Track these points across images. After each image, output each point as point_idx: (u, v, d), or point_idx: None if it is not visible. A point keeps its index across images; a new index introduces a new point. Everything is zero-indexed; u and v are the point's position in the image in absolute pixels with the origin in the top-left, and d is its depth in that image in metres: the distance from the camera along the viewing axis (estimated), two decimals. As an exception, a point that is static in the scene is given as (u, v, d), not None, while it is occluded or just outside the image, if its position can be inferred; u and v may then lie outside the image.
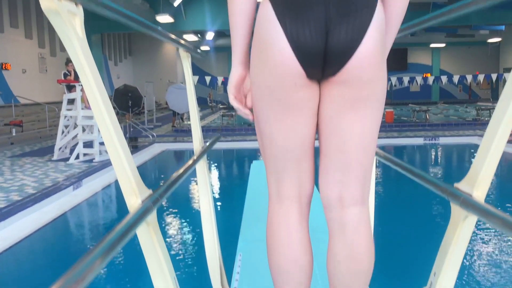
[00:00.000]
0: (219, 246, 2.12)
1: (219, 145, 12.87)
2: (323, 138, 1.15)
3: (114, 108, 14.61)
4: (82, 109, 9.45)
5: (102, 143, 9.57)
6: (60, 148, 9.88)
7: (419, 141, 12.60)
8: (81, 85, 9.43)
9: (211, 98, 25.58)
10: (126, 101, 13.38)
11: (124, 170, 1.15)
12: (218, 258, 2.08)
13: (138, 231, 1.16)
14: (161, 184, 1.37)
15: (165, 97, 16.35)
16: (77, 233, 6.13)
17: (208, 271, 2.06)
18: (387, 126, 14.44)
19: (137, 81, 23.49)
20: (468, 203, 1.11)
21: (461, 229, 1.18)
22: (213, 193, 8.27)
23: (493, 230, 5.71)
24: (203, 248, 2.13)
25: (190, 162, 1.82)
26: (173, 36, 1.82)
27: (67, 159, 9.63)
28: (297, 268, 1.14)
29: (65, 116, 9.75)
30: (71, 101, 9.78)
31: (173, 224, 6.66)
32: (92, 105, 1.04)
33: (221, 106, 23.55)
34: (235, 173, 10.38)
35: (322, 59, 1.05)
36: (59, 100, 10.99)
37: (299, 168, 1.16)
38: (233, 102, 1.22)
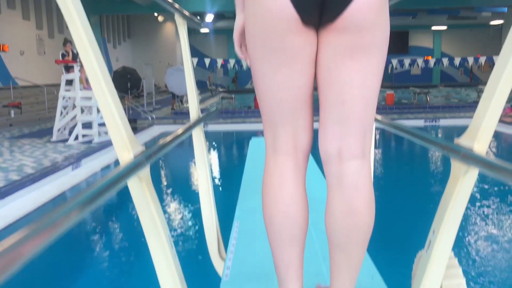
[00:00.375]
0: (216, 214, 2.11)
1: (219, 127, 12.86)
2: (321, 90, 1.10)
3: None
4: (80, 90, 9.39)
5: (101, 124, 9.53)
6: (59, 129, 9.85)
7: (420, 123, 12.57)
8: (80, 66, 9.37)
9: (211, 81, 25.44)
10: (125, 83, 13.32)
11: (116, 124, 1.12)
12: (215, 226, 2.06)
13: (130, 184, 1.13)
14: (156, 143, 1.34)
15: (164, 80, 16.25)
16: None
17: (205, 239, 2.05)
18: (388, 108, 14.39)
19: (136, 64, 23.36)
20: (469, 156, 1.08)
21: (461, 184, 1.15)
22: (212, 170, 8.28)
23: (492, 189, 5.76)
24: (201, 218, 2.11)
25: (186, 127, 1.79)
26: (170, 0, 1.78)
27: (66, 140, 9.60)
28: (289, 222, 1.11)
29: (64, 97, 9.69)
30: (69, 82, 9.71)
31: (170, 193, 6.71)
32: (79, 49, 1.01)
33: (220, 89, 23.45)
34: (234, 153, 10.37)
35: (319, 4, 1.01)
36: (57, 82, 10.91)
37: (295, 120, 1.11)
38: (238, 51, 1.20)
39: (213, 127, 12.82)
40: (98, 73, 1.02)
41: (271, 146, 1.15)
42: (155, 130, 12.22)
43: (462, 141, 1.16)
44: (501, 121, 8.84)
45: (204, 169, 2.06)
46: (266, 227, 1.15)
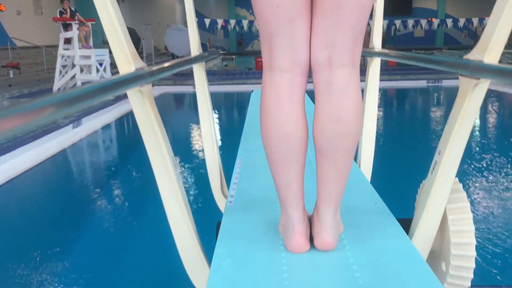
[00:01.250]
0: (219, 152, 2.10)
1: (220, 88, 12.77)
2: None
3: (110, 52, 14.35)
4: (79, 48, 9.27)
5: (100, 84, 9.46)
6: (58, 89, 9.78)
7: (422, 83, 12.46)
8: (78, 24, 9.22)
9: (211, 44, 25.12)
10: (124, 43, 13.14)
11: (118, 37, 1.09)
12: (218, 164, 2.06)
13: (131, 96, 1.11)
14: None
15: (164, 40, 16.03)
16: (76, 167, 6.15)
17: (208, 177, 2.05)
18: (390, 70, 14.25)
19: (135, 24, 22.96)
20: (478, 68, 1.05)
21: (469, 100, 1.13)
22: (214, 118, 8.27)
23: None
24: (203, 155, 2.11)
25: (186, 58, 1.76)
26: None
27: (66, 99, 9.55)
28: (286, 140, 1.07)
29: (63, 56, 9.59)
30: (68, 41, 9.58)
31: (172, 131, 6.74)
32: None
33: (221, 52, 23.19)
34: (235, 111, 10.32)
35: None
36: (56, 44, 10.76)
37: (292, 31, 1.05)
38: None
39: (214, 88, 12.72)
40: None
41: (268, 63, 1.10)
42: (155, 91, 12.13)
43: (471, 56, 1.13)
44: None
45: (206, 106, 2.05)
46: (264, 147, 1.12)
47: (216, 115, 10.09)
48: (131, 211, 4.28)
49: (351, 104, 1.05)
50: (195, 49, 2.06)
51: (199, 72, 2.05)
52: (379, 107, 10.18)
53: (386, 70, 14.20)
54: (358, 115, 1.07)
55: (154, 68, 1.21)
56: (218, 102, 11.88)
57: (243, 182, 1.66)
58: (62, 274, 3.20)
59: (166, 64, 1.37)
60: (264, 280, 1.01)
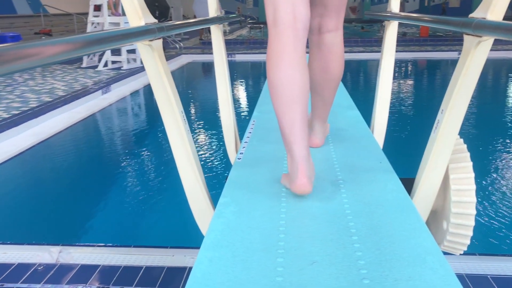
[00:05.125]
0: (234, 113, 2.15)
1: (246, 57, 12.74)
2: None
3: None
4: (108, 15, 9.37)
5: (130, 51, 9.58)
6: (88, 56, 9.95)
7: (454, 55, 12.12)
8: (107, -10, 9.29)
9: (240, 13, 24.84)
10: (153, 12, 13.13)
11: (128, -7, 1.14)
12: (233, 124, 2.11)
13: (141, 50, 1.17)
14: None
15: (192, 8, 15.99)
16: (105, 131, 6.33)
17: (223, 137, 2.11)
18: (422, 41, 13.90)
19: (165, -7, 22.92)
20: (480, 25, 1.06)
21: (472, 57, 1.14)
22: (235, 89, 8.34)
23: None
24: (219, 116, 2.16)
25: (203, 19, 1.80)
26: None
27: (96, 66, 9.73)
28: (289, 84, 1.19)
29: (92, 23, 9.70)
30: (97, 8, 9.68)
31: (198, 97, 6.80)
32: None
33: (250, 21, 22.95)
34: (262, 80, 10.30)
35: None
36: (86, 11, 10.90)
37: None
38: None
39: (241, 57, 12.72)
40: None
41: (272, 20, 1.23)
42: (183, 59, 12.21)
43: (475, 13, 1.13)
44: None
45: (222, 68, 2.09)
46: (270, 93, 1.24)
47: (243, 83, 10.12)
48: (157, 172, 4.42)
49: (335, 58, 1.42)
50: (213, 10, 2.09)
51: (216, 33, 2.08)
52: (408, 77, 9.99)
53: (417, 41, 13.86)
54: (340, 66, 1.44)
55: (165, 24, 1.25)
56: (245, 70, 11.88)
57: (254, 141, 1.71)
58: (92, 227, 3.39)
59: (177, 22, 1.41)
60: (262, 226, 1.07)
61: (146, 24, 1.13)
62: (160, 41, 1.20)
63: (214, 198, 1.51)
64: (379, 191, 1.26)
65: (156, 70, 1.20)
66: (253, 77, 11.36)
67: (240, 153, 1.58)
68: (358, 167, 1.45)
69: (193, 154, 1.35)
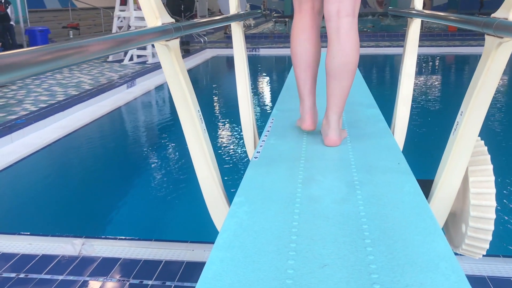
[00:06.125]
0: (253, 110, 2.15)
1: (270, 52, 12.71)
2: None
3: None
4: (134, 10, 9.47)
5: (154, 45, 9.67)
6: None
7: (482, 50, 11.83)
8: (133, -15, 9.38)
9: (265, 6, 24.76)
10: (178, 6, 13.25)
11: (145, -7, 1.15)
12: (252, 121, 2.12)
13: (159, 51, 1.18)
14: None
15: (217, 1, 16.01)
16: (130, 125, 6.42)
17: (242, 133, 2.12)
18: (450, 35, 13.60)
19: (191, -13, 23.00)
20: (502, 26, 1.03)
21: (492, 59, 1.12)
22: (259, 85, 8.34)
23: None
24: (238, 114, 2.17)
25: (223, 16, 1.80)
26: None
27: (121, 60, 9.85)
28: (305, 53, 1.66)
29: (118, 17, 9.83)
30: (124, 2, 9.80)
31: (213, 86, 6.80)
32: None
33: (275, 14, 22.85)
34: (285, 74, 10.28)
35: None
36: (113, 5, 11.06)
37: None
38: None
39: (265, 52, 12.70)
40: None
41: (298, 8, 1.70)
42: (208, 54, 12.25)
43: (497, 13, 1.10)
44: None
45: (242, 65, 2.09)
46: (292, 59, 1.71)
47: (266, 78, 10.11)
48: (180, 166, 4.47)
49: (352, 41, 1.56)
50: (233, 7, 2.09)
51: (236, 31, 2.09)
52: (435, 73, 9.80)
53: (445, 36, 13.56)
54: (357, 50, 1.57)
55: (183, 23, 1.26)
56: (269, 65, 11.85)
57: (271, 140, 1.71)
58: (115, 220, 3.45)
59: (195, 21, 1.42)
60: (275, 226, 1.07)
61: (163, 24, 1.14)
62: (177, 41, 1.21)
63: (231, 195, 1.52)
64: (395, 193, 1.24)
65: (173, 70, 1.22)
66: (276, 71, 11.32)
67: (257, 152, 1.59)
68: (375, 167, 1.43)
69: (209, 153, 1.36)
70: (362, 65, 10.86)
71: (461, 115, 1.24)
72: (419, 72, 9.51)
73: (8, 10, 9.87)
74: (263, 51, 12.62)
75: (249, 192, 1.26)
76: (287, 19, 15.79)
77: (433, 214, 1.12)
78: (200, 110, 1.34)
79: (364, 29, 15.77)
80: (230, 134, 5.55)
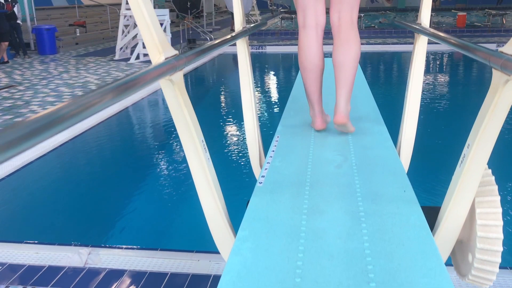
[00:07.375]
0: (259, 128, 2.14)
1: (277, 49, 12.66)
2: None
3: (173, 10, 14.43)
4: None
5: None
6: (121, 48, 10.10)
7: (492, 47, 11.70)
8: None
9: (272, 2, 24.67)
10: (184, 3, 13.24)
11: (148, 27, 1.14)
12: (257, 139, 2.10)
13: (163, 86, 1.17)
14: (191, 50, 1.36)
15: (224, -1, 15.94)
16: (137, 126, 6.44)
17: (248, 151, 2.11)
18: (458, 31, 13.48)
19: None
20: (510, 63, 1.01)
21: (500, 95, 1.10)
22: (265, 88, 8.31)
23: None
24: (244, 131, 2.16)
25: (228, 36, 1.79)
26: None
27: (128, 59, 9.87)
28: (312, 66, 1.93)
29: (125, 16, 9.83)
30: (130, 1, 9.79)
31: (212, 105, 6.81)
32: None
33: (282, 10, 22.75)
34: (293, 73, 10.23)
35: None
36: (120, 2, 11.06)
37: (316, 5, 1.92)
38: None
39: (271, 49, 12.65)
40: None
41: (302, 24, 1.95)
42: (214, 52, 12.16)
43: (505, 49, 1.08)
44: None
45: (248, 82, 2.07)
46: (300, 71, 1.98)
47: (274, 77, 10.08)
48: (187, 173, 4.47)
49: (353, 41, 1.88)
50: (238, 23, 2.07)
51: (242, 47, 2.07)
52: (443, 71, 9.67)
53: (454, 32, 13.45)
54: (357, 48, 1.89)
55: (186, 54, 1.25)
56: (276, 63, 11.81)
57: (276, 162, 1.70)
58: (121, 228, 3.46)
59: (198, 49, 1.40)
60: (279, 266, 1.07)
61: (166, 59, 1.13)
62: (180, 74, 1.20)
63: (236, 221, 1.52)
64: (401, 227, 1.23)
65: (177, 103, 1.21)
66: (284, 69, 11.29)
67: (262, 176, 1.58)
68: (381, 195, 1.42)
69: (214, 183, 1.35)
70: (369, 61, 10.80)
71: (467, 147, 1.23)
72: (426, 70, 9.41)
73: (15, 9, 9.90)
74: (270, 49, 12.57)
75: (253, 225, 1.25)
76: (293, 15, 15.69)
77: (439, 252, 1.11)
78: (204, 140, 1.34)
79: (372, 25, 15.67)
80: (235, 142, 5.54)
